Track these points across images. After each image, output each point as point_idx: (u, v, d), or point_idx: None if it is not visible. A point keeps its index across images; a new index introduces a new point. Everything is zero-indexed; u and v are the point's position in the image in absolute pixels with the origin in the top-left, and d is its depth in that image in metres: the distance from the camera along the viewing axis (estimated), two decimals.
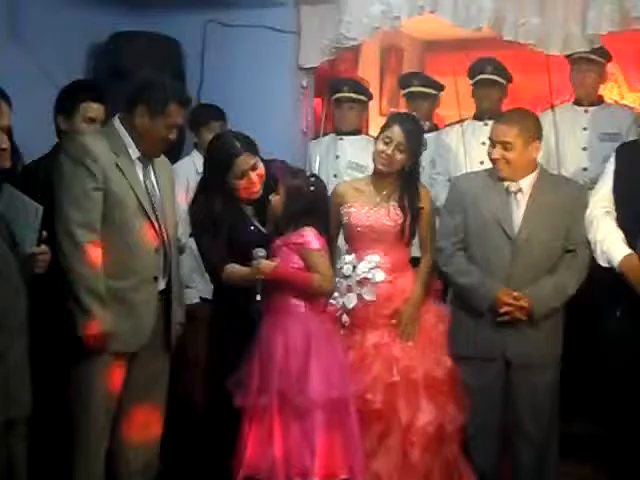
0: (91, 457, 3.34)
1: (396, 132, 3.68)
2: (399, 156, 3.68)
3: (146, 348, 3.37)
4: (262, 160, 3.58)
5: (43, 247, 2.98)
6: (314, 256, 3.42)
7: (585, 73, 4.62)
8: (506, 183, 3.60)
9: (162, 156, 3.51)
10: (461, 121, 4.83)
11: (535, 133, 3.60)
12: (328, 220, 3.56)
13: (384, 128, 3.74)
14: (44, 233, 2.97)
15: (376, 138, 3.79)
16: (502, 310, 3.53)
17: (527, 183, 3.60)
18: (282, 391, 3.31)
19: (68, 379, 3.29)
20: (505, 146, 3.54)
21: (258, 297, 3.33)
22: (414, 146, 3.70)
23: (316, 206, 3.48)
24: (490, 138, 3.62)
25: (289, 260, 3.42)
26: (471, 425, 3.61)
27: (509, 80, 4.79)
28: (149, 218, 3.34)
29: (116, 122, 3.37)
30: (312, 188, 3.48)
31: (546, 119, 4.61)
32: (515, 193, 3.60)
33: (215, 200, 3.51)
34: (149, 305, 3.36)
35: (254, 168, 3.52)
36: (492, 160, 3.60)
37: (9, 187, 2.95)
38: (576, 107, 4.72)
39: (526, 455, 3.61)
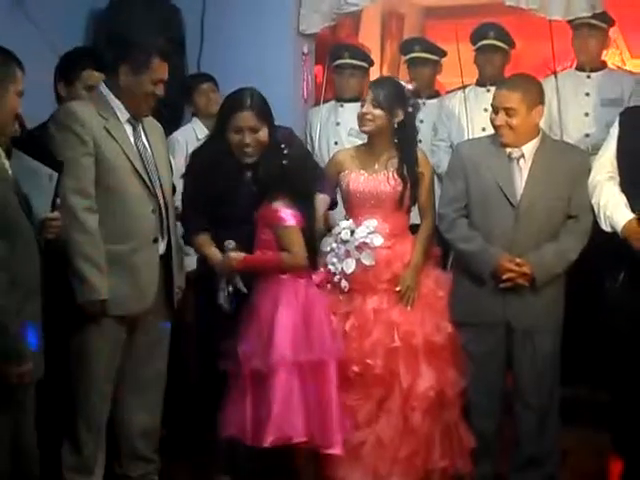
0: (93, 423, 3.36)
1: (370, 92, 3.73)
2: (376, 112, 3.68)
3: (148, 312, 3.38)
4: (273, 127, 3.57)
5: (56, 213, 3.00)
6: (286, 233, 3.45)
7: (587, 38, 4.60)
8: (508, 149, 3.59)
9: (152, 119, 3.50)
10: (463, 87, 4.81)
11: (538, 98, 3.58)
12: (306, 193, 3.53)
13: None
14: (58, 199, 2.98)
15: None
16: (504, 276, 3.53)
17: (529, 149, 3.59)
18: (248, 355, 3.40)
19: (69, 345, 3.30)
20: (508, 112, 3.53)
21: (244, 289, 3.40)
22: (390, 101, 3.69)
23: (291, 179, 3.46)
24: (492, 105, 3.60)
25: (261, 233, 3.48)
26: (472, 391, 3.63)
27: (512, 46, 4.77)
28: (143, 179, 3.33)
29: (102, 87, 3.37)
30: (284, 162, 3.47)
31: (548, 85, 4.59)
32: (517, 159, 3.59)
33: (215, 148, 3.55)
34: (150, 267, 3.37)
35: (253, 130, 3.53)
36: (495, 127, 3.59)
37: (18, 153, 2.95)
38: (578, 73, 4.70)
39: (527, 420, 3.62)
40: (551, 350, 3.61)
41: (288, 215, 3.45)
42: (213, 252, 3.53)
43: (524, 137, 3.58)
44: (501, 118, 3.54)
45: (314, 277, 3.57)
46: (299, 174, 3.49)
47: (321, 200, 3.65)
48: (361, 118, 3.74)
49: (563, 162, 3.60)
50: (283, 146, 3.49)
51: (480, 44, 4.71)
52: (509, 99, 3.53)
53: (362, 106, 3.74)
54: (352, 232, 3.69)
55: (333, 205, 3.84)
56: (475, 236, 3.60)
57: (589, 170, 3.62)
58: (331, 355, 3.44)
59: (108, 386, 3.36)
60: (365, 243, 3.66)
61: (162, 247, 3.41)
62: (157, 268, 3.38)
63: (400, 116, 3.71)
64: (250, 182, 3.58)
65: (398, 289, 3.68)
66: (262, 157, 3.53)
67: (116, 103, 3.33)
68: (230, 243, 3.44)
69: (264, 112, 3.57)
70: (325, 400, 3.41)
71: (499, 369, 3.64)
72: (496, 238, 3.57)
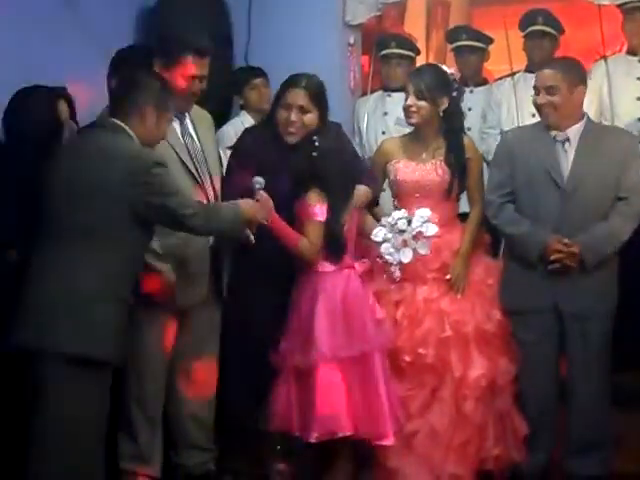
0: (148, 412, 3.41)
1: (411, 84, 3.70)
2: (421, 103, 3.67)
3: (200, 303, 3.42)
4: (325, 116, 3.57)
5: None
6: (312, 225, 3.45)
7: (639, 21, 4.52)
8: (553, 132, 3.57)
9: (200, 109, 3.51)
10: (512, 74, 4.78)
11: (579, 78, 3.55)
12: (337, 187, 3.49)
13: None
14: None
15: None
16: (552, 258, 3.50)
17: (574, 132, 3.56)
18: (289, 351, 3.45)
19: None
20: (550, 91, 3.50)
21: (252, 237, 3.27)
22: (433, 91, 3.66)
23: (320, 172, 3.45)
24: (535, 86, 3.58)
25: (298, 224, 3.48)
26: (524, 378, 3.61)
27: (561, 31, 4.72)
28: (191, 172, 3.36)
29: None
30: (314, 154, 3.45)
31: (599, 70, 4.57)
32: (562, 142, 3.56)
33: (264, 128, 3.58)
34: (201, 260, 3.39)
35: (302, 110, 3.51)
36: (538, 107, 3.57)
37: None
38: (629, 57, 4.63)
39: (579, 406, 3.60)
40: (603, 335, 3.57)
41: (318, 210, 3.46)
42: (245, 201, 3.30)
43: (567, 118, 3.55)
44: (543, 97, 3.53)
45: (357, 267, 3.57)
46: (330, 167, 3.47)
47: (361, 192, 3.63)
48: (406, 110, 3.72)
49: (610, 144, 3.57)
50: (315, 138, 3.48)
51: (529, 30, 4.68)
52: (550, 78, 3.51)
53: (406, 98, 3.72)
54: (409, 221, 3.68)
55: (376, 199, 3.81)
56: (522, 220, 3.59)
57: (637, 152, 3.59)
58: (374, 347, 3.44)
59: (162, 376, 3.41)
60: (420, 232, 3.66)
61: (212, 238, 3.44)
62: (208, 261, 3.41)
63: (445, 104, 3.70)
64: (287, 168, 3.53)
65: (448, 277, 3.68)
66: (296, 145, 3.52)
67: None
68: (260, 179, 3.33)
69: (317, 95, 3.55)
70: (372, 392, 3.42)
71: (551, 355, 3.62)
72: (544, 221, 3.55)
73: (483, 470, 3.59)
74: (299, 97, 3.51)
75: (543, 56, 4.62)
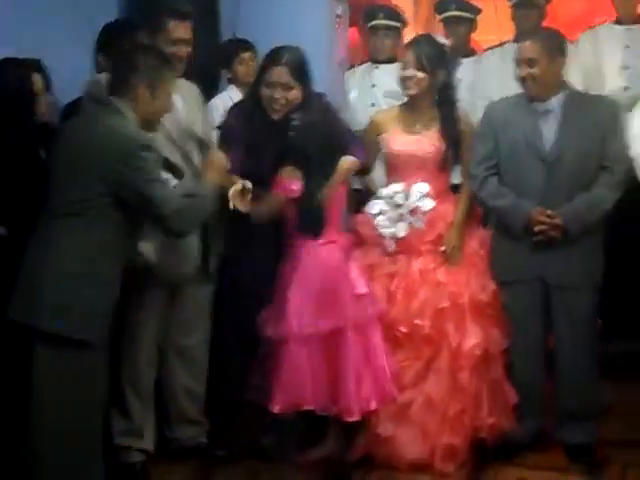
0: (140, 388, 3.44)
1: (410, 55, 3.70)
2: (420, 75, 3.67)
3: (190, 278, 3.43)
4: (308, 89, 3.57)
5: None
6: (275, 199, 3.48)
7: None
8: (535, 103, 3.57)
9: (187, 81, 3.51)
10: (501, 44, 4.77)
11: (559, 49, 3.56)
12: (309, 162, 3.49)
13: (402, 56, 3.78)
14: None
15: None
16: (537, 229, 3.52)
17: (556, 103, 3.56)
18: (264, 323, 3.50)
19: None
20: (530, 63, 3.51)
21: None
22: (433, 62, 3.68)
23: (295, 149, 3.46)
24: (516, 58, 3.59)
25: None
26: (513, 348, 3.65)
27: (547, 0, 4.70)
28: (177, 144, 3.35)
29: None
30: (291, 133, 3.47)
31: (587, 39, 4.57)
32: (545, 113, 3.57)
33: (249, 103, 3.59)
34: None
35: (285, 87, 3.51)
36: (519, 79, 3.57)
37: None
38: (617, 26, 4.63)
39: (566, 376, 3.63)
40: (589, 304, 3.60)
41: (291, 185, 3.46)
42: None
43: (549, 89, 3.55)
44: (524, 69, 3.53)
45: (340, 241, 3.57)
46: (306, 144, 3.47)
47: (347, 163, 3.61)
48: (404, 81, 3.71)
49: (592, 114, 3.57)
50: (294, 117, 3.49)
51: (516, 0, 4.66)
52: (530, 50, 3.52)
53: (403, 68, 3.71)
54: (406, 196, 3.68)
55: (367, 168, 3.81)
56: (506, 192, 3.60)
57: (620, 120, 3.60)
58: (346, 323, 3.44)
59: (154, 352, 3.43)
60: (418, 207, 3.67)
61: None
62: (197, 235, 3.40)
63: (442, 76, 3.71)
64: (271, 140, 3.53)
65: (443, 249, 3.69)
66: (279, 122, 3.52)
67: None
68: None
69: (299, 70, 3.55)
70: (340, 368, 3.43)
71: (538, 326, 3.64)
72: (527, 193, 3.56)
73: (476, 438, 3.63)
74: (282, 74, 3.51)
75: (530, 26, 4.60)
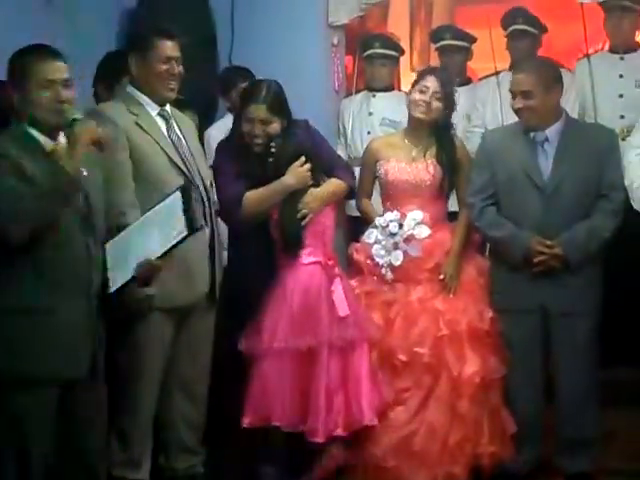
0: (141, 418, 3.39)
1: (432, 81, 3.73)
2: (436, 104, 3.71)
3: (196, 305, 3.41)
4: (287, 120, 3.64)
5: None
6: None
7: (620, 19, 4.55)
8: (532, 133, 3.58)
9: (182, 114, 3.55)
10: (496, 73, 4.80)
11: (554, 79, 3.57)
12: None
13: (419, 79, 3.79)
14: None
15: (409, 91, 3.82)
16: (536, 260, 3.52)
17: (553, 132, 3.57)
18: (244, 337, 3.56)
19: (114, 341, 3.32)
20: (525, 95, 3.52)
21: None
22: (449, 96, 3.75)
23: (271, 173, 3.57)
24: (510, 90, 3.60)
25: None
26: (512, 376, 3.63)
27: (542, 30, 4.74)
28: (181, 170, 3.35)
29: (127, 87, 3.41)
30: (270, 159, 3.57)
31: (581, 68, 4.60)
32: (542, 143, 3.58)
33: (234, 136, 3.64)
34: (199, 256, 3.38)
35: (264, 122, 3.59)
36: (515, 111, 3.59)
37: None
38: (611, 55, 4.65)
39: (566, 404, 3.61)
40: (589, 332, 3.58)
41: None
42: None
43: (546, 119, 3.56)
44: (519, 101, 3.54)
45: (324, 263, 3.59)
46: (281, 169, 3.57)
47: (333, 184, 3.69)
48: (418, 104, 3.73)
49: (589, 141, 3.58)
50: (272, 144, 3.57)
51: (510, 30, 4.69)
52: (524, 82, 3.52)
53: (421, 92, 3.72)
54: (400, 225, 3.70)
55: (351, 193, 3.85)
56: (504, 222, 3.60)
57: (617, 148, 3.62)
58: (321, 342, 3.46)
59: (156, 382, 3.39)
60: (412, 235, 3.68)
61: (207, 235, 3.42)
62: (206, 256, 3.40)
63: (451, 107, 3.77)
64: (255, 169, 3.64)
65: (441, 277, 3.69)
66: (258, 155, 3.61)
67: (144, 99, 3.36)
68: None
69: (277, 105, 3.62)
70: (312, 386, 3.45)
71: (538, 354, 3.63)
72: (526, 223, 3.56)
73: (475, 467, 3.60)
74: (260, 111, 3.59)
75: (524, 55, 4.63)
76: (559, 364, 3.63)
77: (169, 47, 3.36)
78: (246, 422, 3.48)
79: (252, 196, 3.59)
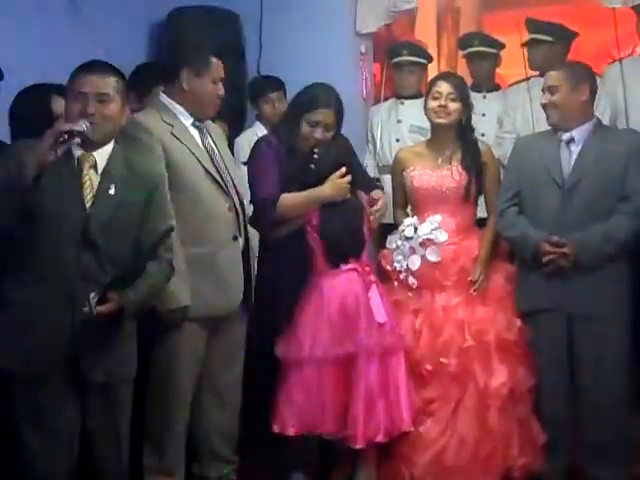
0: (174, 426, 3.39)
1: (443, 85, 3.76)
2: (453, 105, 3.73)
3: (231, 314, 3.42)
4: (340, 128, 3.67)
5: None
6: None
7: None
8: (559, 133, 3.57)
9: (213, 124, 3.56)
10: (527, 79, 4.78)
11: (582, 77, 3.55)
12: None
13: (430, 87, 3.83)
14: None
15: (425, 100, 3.84)
16: (544, 260, 3.49)
17: (581, 132, 3.55)
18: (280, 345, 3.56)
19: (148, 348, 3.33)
20: (551, 90, 3.53)
21: None
22: (464, 95, 3.77)
23: (314, 179, 3.57)
24: (542, 89, 3.61)
25: None
26: (540, 381, 3.60)
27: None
28: (215, 180, 3.37)
29: (162, 96, 3.42)
30: (312, 165, 3.57)
31: (613, 72, 4.54)
32: (567, 142, 3.56)
33: (287, 135, 3.63)
34: (234, 265, 3.39)
35: (327, 128, 3.61)
36: (543, 107, 3.59)
37: None
38: None
39: (591, 411, 3.56)
40: (613, 337, 3.52)
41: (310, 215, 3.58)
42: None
43: (571, 117, 3.54)
44: (546, 97, 3.56)
45: (360, 270, 3.58)
46: (324, 175, 3.57)
47: (380, 195, 3.72)
48: (436, 111, 3.74)
49: (616, 143, 3.55)
50: (315, 150, 3.58)
51: (528, 38, 4.70)
52: (552, 78, 3.55)
53: (435, 98, 3.74)
54: (415, 229, 3.70)
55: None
56: (519, 222, 3.59)
57: None
58: (359, 348, 3.46)
59: (190, 390, 3.39)
60: (429, 239, 3.68)
61: (241, 244, 3.43)
62: (240, 266, 3.41)
63: (469, 110, 3.78)
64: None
65: (470, 281, 3.68)
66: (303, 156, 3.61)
67: (178, 109, 3.38)
68: None
69: (341, 113, 3.66)
70: (352, 393, 3.45)
71: (563, 358, 3.57)
72: (544, 220, 3.55)
73: (507, 478, 3.58)
74: (328, 117, 3.61)
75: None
76: (581, 369, 3.56)
77: (221, 68, 3.41)
78: (291, 431, 3.47)
79: (288, 200, 3.58)
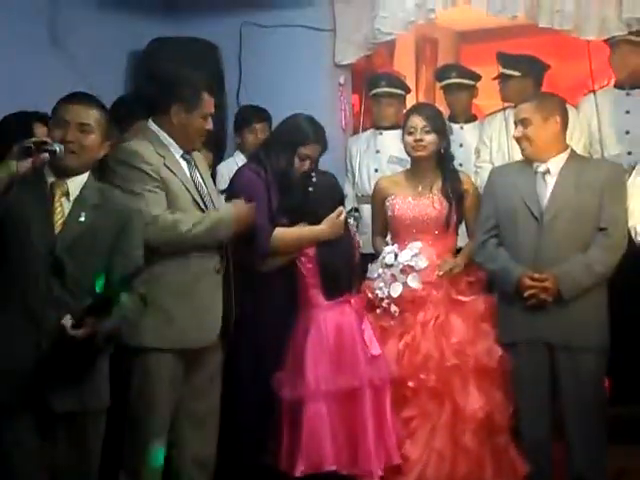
0: (150, 454, 3.35)
1: (415, 119, 3.81)
2: (428, 137, 3.77)
3: (209, 345, 3.41)
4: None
5: None
6: None
7: (626, 55, 4.54)
8: (535, 164, 3.59)
9: (199, 154, 3.57)
10: (503, 109, 4.83)
11: (553, 109, 3.59)
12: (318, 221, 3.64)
13: (405, 121, 3.88)
14: None
15: (402, 134, 3.88)
16: (526, 294, 3.51)
17: (555, 163, 3.58)
18: (281, 384, 3.55)
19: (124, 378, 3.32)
20: (524, 123, 3.56)
21: None
22: (439, 126, 3.80)
23: (312, 206, 3.61)
24: (514, 121, 3.66)
25: None
26: (521, 413, 3.61)
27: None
28: (200, 207, 3.39)
29: (152, 125, 3.42)
30: (310, 188, 3.61)
31: (587, 104, 4.61)
32: (543, 174, 3.59)
33: (279, 166, 3.68)
34: (214, 298, 3.39)
35: (314, 160, 3.73)
36: (516, 140, 3.63)
37: None
38: (617, 90, 4.65)
39: (572, 442, 3.56)
40: (594, 368, 3.55)
41: None
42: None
43: (545, 149, 3.58)
44: (518, 130, 3.60)
45: (353, 302, 3.62)
46: (321, 202, 3.63)
47: None
48: (412, 145, 3.79)
49: (591, 175, 3.58)
50: (312, 174, 3.65)
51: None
52: (524, 110, 3.59)
53: (410, 133, 3.78)
54: (396, 256, 3.72)
55: None
56: (499, 254, 3.62)
57: (621, 183, 3.60)
58: (363, 382, 3.47)
59: (167, 421, 3.37)
60: (410, 266, 3.69)
61: (221, 273, 3.44)
62: (220, 299, 3.41)
63: (446, 140, 3.82)
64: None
65: (440, 273, 3.71)
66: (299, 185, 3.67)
67: (169, 140, 3.38)
68: None
69: (326, 144, 3.77)
70: (359, 428, 3.44)
71: (545, 388, 3.60)
72: (521, 253, 3.57)
73: None
74: (317, 151, 3.74)
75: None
76: (564, 399, 3.58)
77: (212, 104, 3.43)
78: (300, 470, 3.42)
79: (284, 234, 3.61)
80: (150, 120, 3.44)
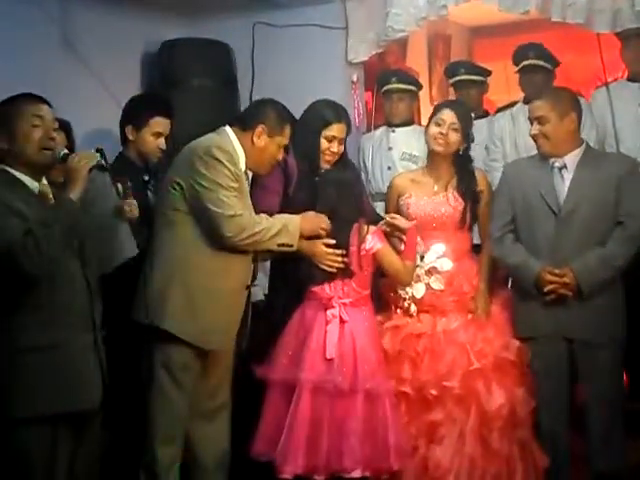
0: (170, 455, 3.40)
1: (447, 114, 3.75)
2: (454, 136, 3.73)
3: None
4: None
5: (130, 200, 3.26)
6: None
7: (638, 47, 4.54)
8: (551, 160, 3.60)
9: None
10: (511, 105, 4.82)
11: (569, 106, 3.59)
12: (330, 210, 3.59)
13: (435, 112, 3.82)
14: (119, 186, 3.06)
15: (427, 125, 3.84)
16: (546, 289, 3.52)
17: (571, 158, 3.59)
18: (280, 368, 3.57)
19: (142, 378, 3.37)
20: (540, 121, 3.56)
21: None
22: (466, 127, 3.77)
23: (328, 201, 3.58)
24: (528, 117, 3.65)
25: None
26: (539, 407, 3.61)
27: (555, 64, 4.76)
28: None
29: (231, 135, 3.44)
30: (317, 178, 3.63)
31: (600, 97, 4.59)
32: (560, 169, 3.59)
33: (304, 151, 3.71)
34: (239, 310, 3.46)
35: (341, 142, 3.74)
36: (532, 138, 3.62)
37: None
38: (630, 83, 4.64)
39: (592, 435, 3.57)
40: (611, 361, 3.56)
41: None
42: None
43: (562, 146, 3.58)
44: (535, 127, 3.59)
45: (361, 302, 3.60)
46: (328, 194, 3.59)
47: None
48: (436, 137, 3.75)
49: (608, 169, 3.58)
50: (330, 170, 3.68)
51: (521, 65, 4.72)
52: (540, 108, 3.58)
53: (437, 125, 3.74)
54: (422, 257, 3.71)
55: None
56: (517, 249, 3.62)
57: (637, 176, 3.60)
58: (359, 385, 3.45)
59: (184, 425, 3.41)
60: (434, 267, 3.69)
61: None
62: (244, 302, 3.48)
63: (469, 141, 3.80)
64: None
65: (470, 317, 3.70)
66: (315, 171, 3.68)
67: (241, 152, 3.41)
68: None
69: (350, 123, 3.79)
70: (345, 432, 3.42)
71: (562, 383, 3.61)
72: (539, 247, 3.58)
73: None
74: (342, 131, 3.76)
75: (536, 90, 4.62)
76: (584, 394, 3.59)
77: (288, 137, 3.50)
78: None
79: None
80: (228, 128, 3.46)
